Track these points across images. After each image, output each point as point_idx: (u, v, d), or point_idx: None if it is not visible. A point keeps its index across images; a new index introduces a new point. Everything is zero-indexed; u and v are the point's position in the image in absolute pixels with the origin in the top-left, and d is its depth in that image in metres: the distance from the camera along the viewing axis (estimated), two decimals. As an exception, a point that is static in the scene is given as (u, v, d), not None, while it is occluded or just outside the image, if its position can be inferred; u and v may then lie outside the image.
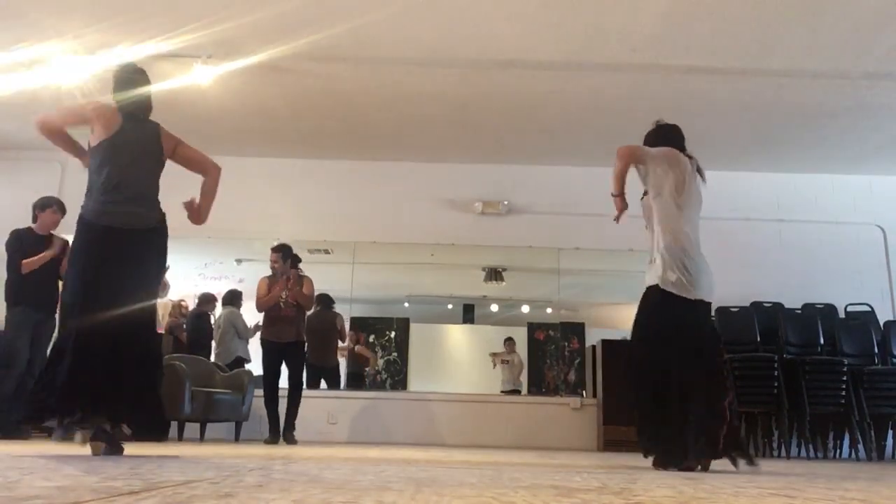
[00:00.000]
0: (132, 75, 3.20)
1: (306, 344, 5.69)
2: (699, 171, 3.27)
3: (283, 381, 5.60)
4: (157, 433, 3.11)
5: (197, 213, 3.21)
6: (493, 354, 7.95)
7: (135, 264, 2.96)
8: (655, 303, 3.01)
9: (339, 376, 7.11)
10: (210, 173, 3.22)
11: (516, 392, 7.64)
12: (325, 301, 6.77)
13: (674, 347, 2.93)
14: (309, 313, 5.84)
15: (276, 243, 5.74)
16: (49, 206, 4.98)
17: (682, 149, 3.28)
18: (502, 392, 7.65)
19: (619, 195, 3.16)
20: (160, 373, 3.04)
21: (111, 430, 2.85)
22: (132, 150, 3.06)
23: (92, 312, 2.80)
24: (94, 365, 2.77)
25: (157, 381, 2.99)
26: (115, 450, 2.84)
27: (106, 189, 2.98)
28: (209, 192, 3.22)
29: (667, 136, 3.30)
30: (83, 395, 2.75)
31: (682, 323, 2.96)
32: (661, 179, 3.12)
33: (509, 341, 7.90)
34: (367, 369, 7.72)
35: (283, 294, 5.47)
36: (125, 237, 2.95)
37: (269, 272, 5.69)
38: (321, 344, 6.63)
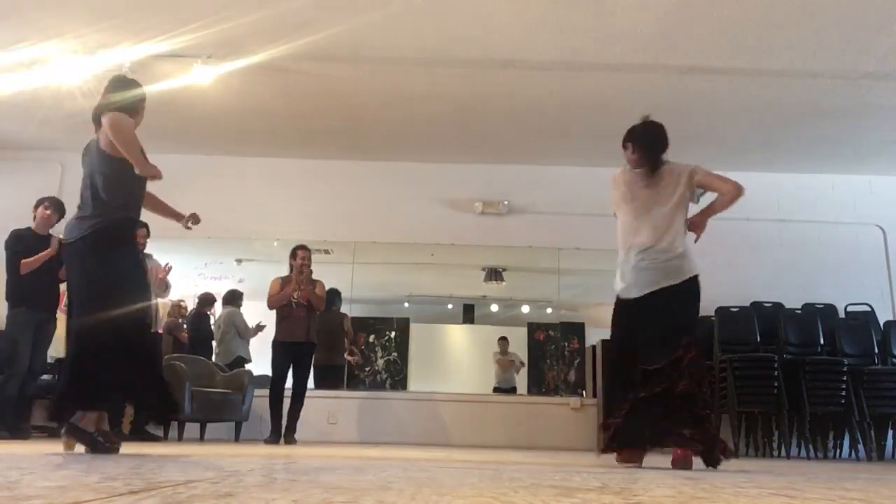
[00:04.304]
0: (111, 83, 3.22)
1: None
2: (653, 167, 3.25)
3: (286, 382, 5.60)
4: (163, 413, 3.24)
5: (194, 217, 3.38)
6: (498, 359, 7.95)
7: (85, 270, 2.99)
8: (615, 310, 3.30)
9: (344, 375, 7.12)
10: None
11: (512, 390, 7.63)
12: (332, 299, 6.75)
13: (634, 344, 3.15)
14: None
15: (274, 242, 5.74)
16: (41, 204, 4.97)
17: (656, 148, 3.25)
18: (495, 390, 7.62)
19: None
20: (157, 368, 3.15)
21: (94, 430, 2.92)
22: (90, 158, 3.10)
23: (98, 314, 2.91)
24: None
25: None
26: (100, 449, 2.88)
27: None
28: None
29: (642, 136, 3.29)
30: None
31: (635, 322, 3.16)
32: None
33: (503, 340, 7.90)
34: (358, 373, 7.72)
35: (296, 294, 5.48)
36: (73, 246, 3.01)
37: (273, 272, 5.70)
38: (328, 344, 6.62)
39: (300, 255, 5.58)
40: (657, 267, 3.14)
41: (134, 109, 3.15)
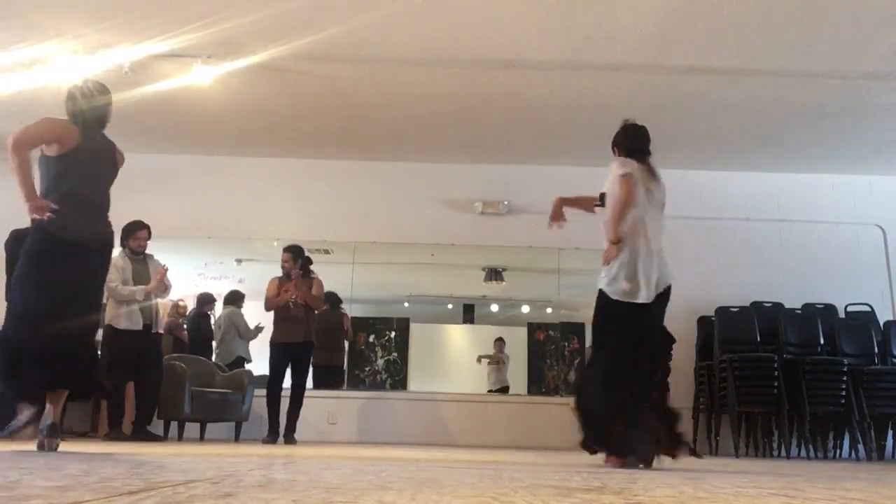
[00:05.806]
0: (91, 89, 3.32)
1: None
2: (652, 172, 3.28)
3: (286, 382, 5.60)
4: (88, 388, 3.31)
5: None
6: (484, 357, 7.99)
7: (91, 278, 3.21)
8: (609, 310, 3.14)
9: (343, 375, 7.13)
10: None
11: (505, 389, 7.67)
12: (332, 300, 6.76)
13: (632, 349, 3.06)
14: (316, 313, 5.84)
15: (274, 242, 5.72)
16: None
17: (646, 151, 3.30)
18: (490, 392, 7.67)
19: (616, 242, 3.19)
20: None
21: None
22: (91, 162, 3.20)
23: (56, 321, 3.00)
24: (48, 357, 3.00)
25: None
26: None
27: (68, 201, 3.12)
28: None
29: (632, 138, 3.35)
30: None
31: (636, 326, 3.08)
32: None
33: (499, 342, 7.93)
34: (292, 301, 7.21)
35: (293, 295, 5.47)
36: (87, 252, 3.14)
37: (273, 272, 5.69)
38: (327, 344, 6.63)
39: (282, 259, 5.58)
40: (661, 270, 3.13)
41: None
